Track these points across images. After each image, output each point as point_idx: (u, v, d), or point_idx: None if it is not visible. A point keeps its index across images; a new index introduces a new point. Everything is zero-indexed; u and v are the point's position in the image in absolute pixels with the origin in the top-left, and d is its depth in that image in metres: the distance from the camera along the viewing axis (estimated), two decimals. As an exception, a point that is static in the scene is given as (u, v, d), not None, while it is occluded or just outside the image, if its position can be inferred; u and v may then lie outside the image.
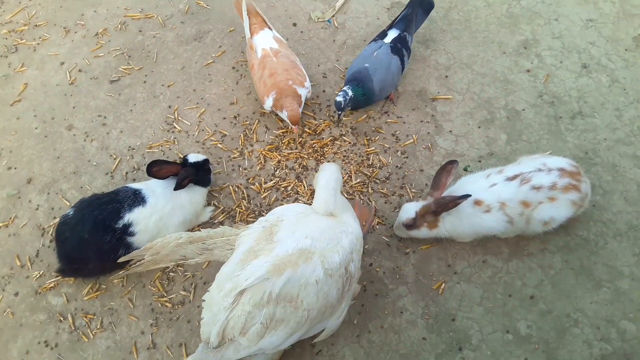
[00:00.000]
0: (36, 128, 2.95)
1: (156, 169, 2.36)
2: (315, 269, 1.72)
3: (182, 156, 2.57)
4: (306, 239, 1.77)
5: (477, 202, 2.14)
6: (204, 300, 1.83)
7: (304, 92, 2.61)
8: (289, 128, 2.77)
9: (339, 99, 2.50)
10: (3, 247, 2.58)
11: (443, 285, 2.26)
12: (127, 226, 2.27)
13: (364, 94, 2.54)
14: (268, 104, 2.63)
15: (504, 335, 2.13)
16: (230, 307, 1.70)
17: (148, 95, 3.01)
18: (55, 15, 3.34)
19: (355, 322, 2.22)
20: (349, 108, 2.55)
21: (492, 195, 2.13)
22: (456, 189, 2.20)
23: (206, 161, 2.52)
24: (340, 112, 2.55)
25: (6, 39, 3.28)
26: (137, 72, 3.08)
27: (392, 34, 2.66)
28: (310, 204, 2.10)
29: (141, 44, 3.18)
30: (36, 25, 3.31)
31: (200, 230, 2.03)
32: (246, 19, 2.76)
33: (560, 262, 2.25)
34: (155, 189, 2.39)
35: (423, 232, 2.24)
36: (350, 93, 2.50)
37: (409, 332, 2.17)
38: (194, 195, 2.45)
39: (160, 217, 2.33)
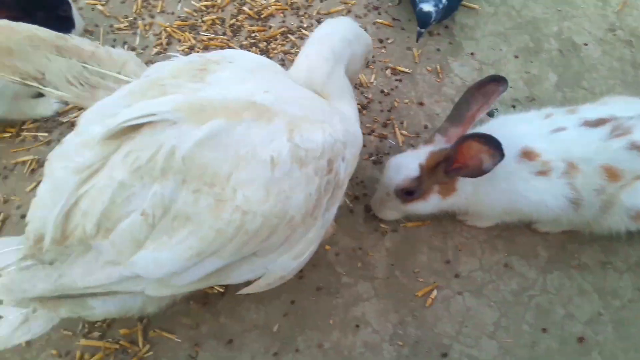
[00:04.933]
0: None
1: None
2: (276, 136, 0.88)
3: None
4: (266, 94, 0.93)
5: (528, 154, 1.17)
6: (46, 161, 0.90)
7: None
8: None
9: (427, 7, 1.52)
10: None
11: (434, 292, 1.28)
12: None
13: None
14: None
15: (528, 400, 1.19)
16: (88, 168, 0.85)
17: None
18: None
19: (275, 328, 1.21)
20: (435, 22, 1.60)
21: (555, 145, 1.17)
22: (488, 131, 1.21)
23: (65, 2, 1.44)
24: (423, 30, 1.56)
25: None
26: None
27: None
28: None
29: None
30: None
31: (78, 37, 1.05)
32: None
33: (631, 290, 1.33)
34: None
35: (432, 202, 1.23)
36: None
37: (364, 369, 1.19)
38: None
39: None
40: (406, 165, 1.21)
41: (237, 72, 0.99)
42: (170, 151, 0.82)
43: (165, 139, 0.83)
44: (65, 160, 0.87)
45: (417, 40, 1.60)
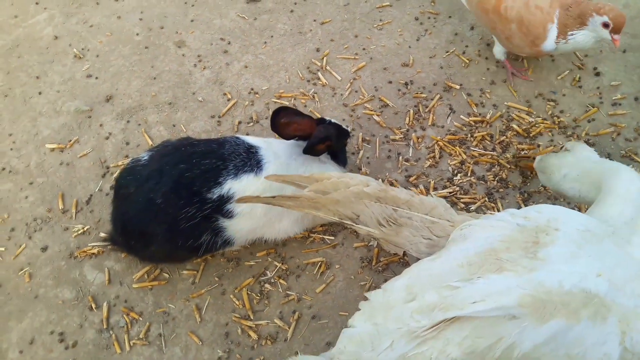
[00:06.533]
0: (137, 34, 2.19)
1: (285, 122, 1.51)
2: (608, 339, 0.91)
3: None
4: (599, 277, 0.95)
5: None
6: (366, 300, 1.04)
7: None
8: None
9: None
10: (48, 177, 1.81)
11: None
12: (225, 200, 1.40)
13: None
14: (552, 34, 1.70)
15: None
16: (421, 336, 0.92)
17: (292, 29, 2.17)
18: None
19: None
20: None
21: None
22: None
23: (347, 134, 1.65)
24: None
25: None
26: (284, -4, 2.25)
27: None
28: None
29: (299, -37, 2.33)
30: None
31: (396, 188, 1.20)
32: None
33: None
34: (280, 153, 1.51)
35: None
36: None
37: None
38: None
39: (277, 197, 1.43)
40: None
41: (567, 245, 1.01)
42: (510, 346, 0.88)
43: (505, 333, 0.88)
44: (397, 320, 0.95)
45: None
